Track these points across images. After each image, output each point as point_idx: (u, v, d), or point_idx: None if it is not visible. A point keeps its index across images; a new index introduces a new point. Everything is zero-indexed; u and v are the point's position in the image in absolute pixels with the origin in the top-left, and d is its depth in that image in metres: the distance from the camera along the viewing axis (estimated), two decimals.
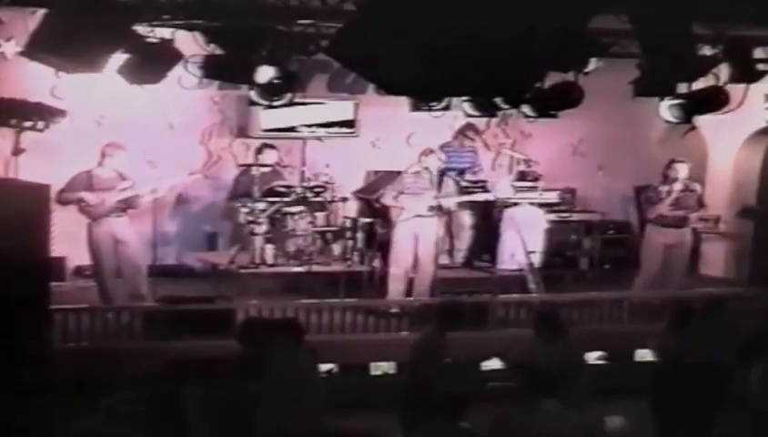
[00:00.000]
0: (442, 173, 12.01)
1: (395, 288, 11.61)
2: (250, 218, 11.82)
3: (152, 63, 9.84)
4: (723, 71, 10.69)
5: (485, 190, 12.64)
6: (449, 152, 13.01)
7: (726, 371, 8.74)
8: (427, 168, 11.69)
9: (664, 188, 12.09)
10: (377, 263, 11.95)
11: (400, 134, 13.30)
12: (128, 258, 11.00)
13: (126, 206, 11.04)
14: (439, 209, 11.73)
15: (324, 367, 10.21)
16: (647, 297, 12.00)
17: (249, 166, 12.37)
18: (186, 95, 12.53)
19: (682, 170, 12.09)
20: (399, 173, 12.04)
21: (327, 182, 12.37)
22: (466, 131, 13.33)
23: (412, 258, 11.63)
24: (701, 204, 12.29)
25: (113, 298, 10.89)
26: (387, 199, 11.72)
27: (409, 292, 11.68)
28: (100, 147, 11.03)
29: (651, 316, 11.38)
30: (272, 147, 12.49)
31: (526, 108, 11.12)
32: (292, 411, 7.53)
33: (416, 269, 11.67)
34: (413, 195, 11.59)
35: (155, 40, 9.79)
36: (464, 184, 12.72)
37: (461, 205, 12.53)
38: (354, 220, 12.29)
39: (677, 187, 12.05)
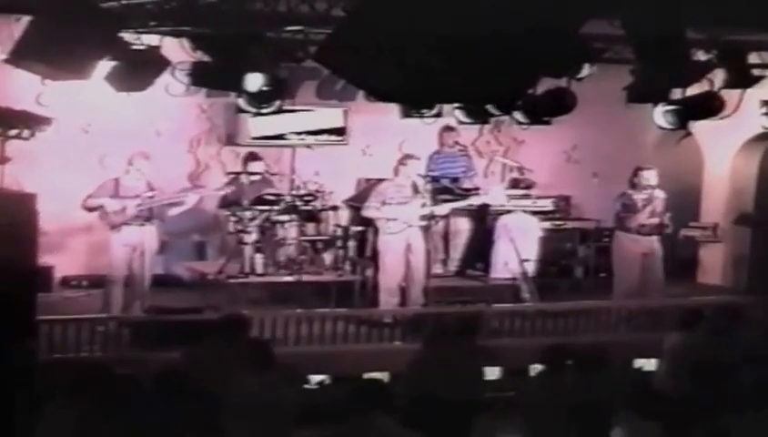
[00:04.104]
0: (435, 180, 11.89)
1: (386, 300, 11.41)
2: (239, 227, 11.67)
3: (139, 70, 9.79)
4: (718, 76, 10.63)
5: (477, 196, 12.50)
6: (440, 159, 12.90)
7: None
8: (408, 177, 11.52)
9: (640, 197, 11.96)
10: (369, 272, 11.80)
11: (392, 141, 13.11)
12: (140, 268, 10.85)
13: (150, 215, 10.91)
14: (430, 218, 11.59)
15: (316, 378, 10.21)
16: (646, 305, 11.87)
17: (238, 174, 12.23)
18: (173, 102, 12.37)
19: (653, 177, 11.96)
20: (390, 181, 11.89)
21: (317, 190, 12.23)
22: (444, 133, 13.13)
23: (404, 268, 11.46)
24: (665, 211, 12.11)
25: (114, 307, 10.76)
26: (369, 212, 11.52)
27: (402, 302, 11.53)
28: (127, 155, 10.92)
29: (649, 325, 11.29)
30: (258, 157, 12.32)
31: (518, 115, 11.05)
32: None
33: (408, 279, 11.51)
34: (399, 205, 11.40)
35: (141, 47, 9.75)
36: (458, 191, 12.59)
37: (454, 213, 12.39)
38: (345, 229, 12.14)
39: (658, 194, 11.96)
